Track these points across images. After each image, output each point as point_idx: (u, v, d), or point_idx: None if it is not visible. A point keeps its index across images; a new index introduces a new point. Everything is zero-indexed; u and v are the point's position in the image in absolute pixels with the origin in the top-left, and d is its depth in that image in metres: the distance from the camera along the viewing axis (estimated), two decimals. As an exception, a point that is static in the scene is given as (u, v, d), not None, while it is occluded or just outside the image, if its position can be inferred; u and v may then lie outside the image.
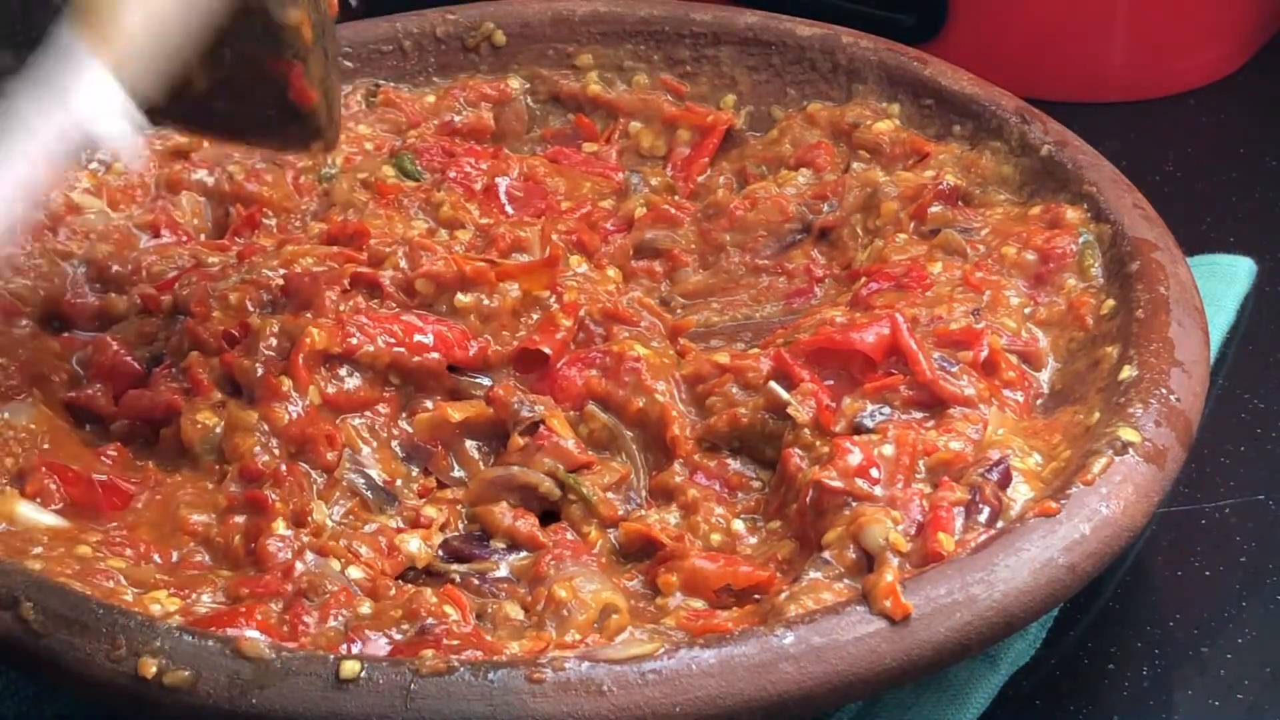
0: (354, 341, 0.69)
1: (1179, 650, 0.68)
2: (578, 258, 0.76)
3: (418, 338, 0.69)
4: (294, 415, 0.67)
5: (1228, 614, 0.69)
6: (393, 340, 0.69)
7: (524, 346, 0.70)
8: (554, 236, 0.75)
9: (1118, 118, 0.96)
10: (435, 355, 0.69)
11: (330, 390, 0.68)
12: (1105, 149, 0.77)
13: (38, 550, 0.62)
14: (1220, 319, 0.78)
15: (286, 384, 0.68)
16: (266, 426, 0.67)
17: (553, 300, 0.72)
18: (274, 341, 0.69)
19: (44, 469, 0.66)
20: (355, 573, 0.63)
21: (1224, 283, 0.80)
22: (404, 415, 0.69)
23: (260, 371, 0.68)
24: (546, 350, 0.70)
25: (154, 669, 0.55)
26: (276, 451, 0.67)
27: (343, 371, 0.69)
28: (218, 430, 0.68)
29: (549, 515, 0.68)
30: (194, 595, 0.62)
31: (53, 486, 0.65)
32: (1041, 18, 0.96)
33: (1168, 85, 0.99)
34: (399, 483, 0.68)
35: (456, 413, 0.69)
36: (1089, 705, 0.65)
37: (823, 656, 0.56)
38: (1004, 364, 0.69)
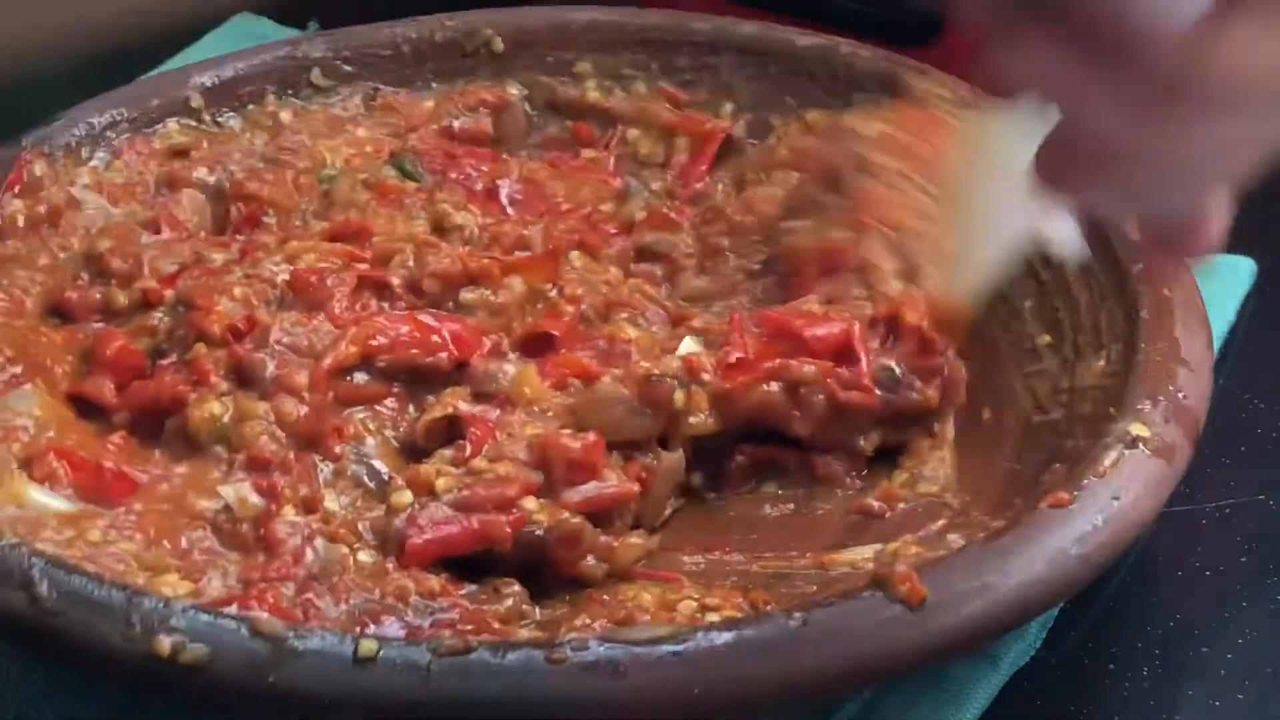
0: (374, 344, 0.69)
1: (1179, 650, 0.67)
2: (577, 253, 0.76)
3: (433, 338, 0.69)
4: (303, 414, 0.67)
5: (1228, 614, 0.69)
6: (409, 342, 0.69)
7: (531, 330, 0.71)
8: (556, 234, 0.76)
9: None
10: (446, 355, 0.69)
11: (340, 385, 0.68)
12: (1106, 150, 0.77)
13: (48, 534, 0.61)
14: (1220, 320, 0.79)
15: (303, 384, 0.68)
16: (274, 418, 0.67)
17: (554, 292, 0.72)
18: (286, 338, 0.69)
19: (52, 453, 0.65)
20: (365, 557, 0.63)
21: (1224, 283, 0.81)
22: (411, 408, 0.69)
23: (272, 368, 0.68)
24: (554, 333, 0.70)
25: (169, 648, 0.55)
26: (284, 440, 0.67)
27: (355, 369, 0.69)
28: (225, 420, 0.67)
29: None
30: (205, 579, 0.61)
31: (61, 472, 0.64)
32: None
33: (1168, 86, 0.99)
34: None
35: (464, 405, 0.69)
36: (1089, 705, 0.65)
37: (840, 639, 0.56)
38: None
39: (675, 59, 0.87)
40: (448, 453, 0.66)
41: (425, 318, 0.70)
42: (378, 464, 0.67)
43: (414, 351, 0.69)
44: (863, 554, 0.66)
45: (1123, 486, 0.61)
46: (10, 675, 0.64)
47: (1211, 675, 0.66)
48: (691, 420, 0.69)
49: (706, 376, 0.69)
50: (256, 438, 0.66)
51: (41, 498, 0.63)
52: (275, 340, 0.69)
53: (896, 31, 0.87)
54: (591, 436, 0.66)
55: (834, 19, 0.86)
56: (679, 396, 0.68)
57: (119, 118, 0.81)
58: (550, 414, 0.68)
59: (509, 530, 0.63)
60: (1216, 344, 0.75)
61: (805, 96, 0.85)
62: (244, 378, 0.68)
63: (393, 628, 0.59)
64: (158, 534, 0.63)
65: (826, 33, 0.86)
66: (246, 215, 0.79)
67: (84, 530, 0.62)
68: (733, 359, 0.69)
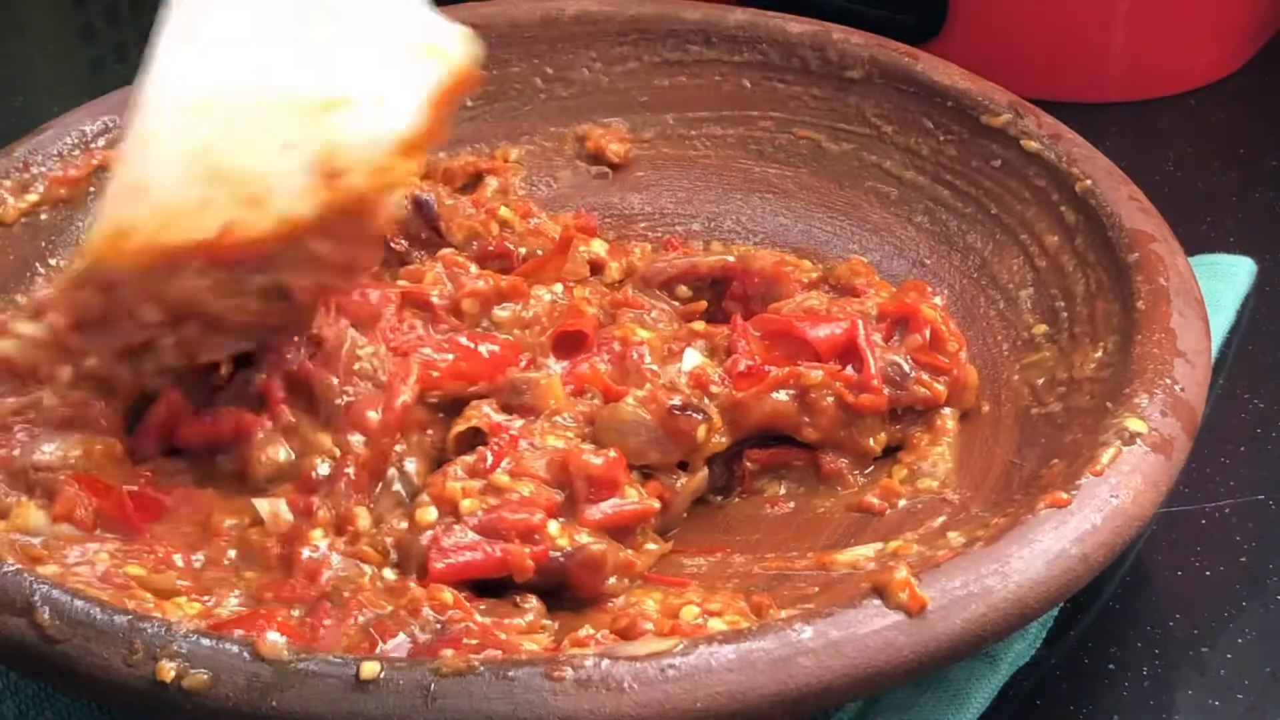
0: (430, 379, 0.68)
1: (1179, 650, 0.68)
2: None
3: (480, 366, 0.69)
4: (366, 455, 0.67)
5: (1228, 614, 0.69)
6: (459, 374, 0.68)
7: (561, 330, 0.71)
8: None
9: (1118, 117, 0.97)
10: (488, 383, 0.69)
11: None
12: (1105, 148, 0.77)
13: (53, 558, 0.61)
14: (1220, 319, 0.79)
15: (374, 421, 0.67)
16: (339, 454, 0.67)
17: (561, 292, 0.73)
18: (355, 364, 0.68)
19: (72, 482, 0.64)
20: (390, 574, 0.63)
21: (1224, 283, 0.80)
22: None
23: (343, 398, 0.67)
24: (586, 332, 0.70)
25: (172, 673, 0.55)
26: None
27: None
28: (287, 461, 0.67)
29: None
30: (214, 598, 0.61)
31: (81, 512, 0.63)
32: (1041, 17, 0.97)
33: (1168, 85, 0.99)
34: None
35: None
36: (1089, 705, 0.65)
37: (841, 650, 0.56)
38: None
39: (666, 49, 0.87)
40: (469, 459, 0.66)
41: (469, 343, 0.70)
42: (415, 479, 0.67)
43: (463, 383, 0.68)
44: (864, 553, 0.66)
45: (1120, 484, 0.61)
46: (11, 675, 0.64)
47: (1211, 675, 0.66)
48: (710, 443, 0.69)
49: (715, 388, 0.69)
50: (311, 469, 0.66)
51: (50, 522, 0.63)
52: (344, 362, 0.68)
53: (894, 32, 0.86)
54: (613, 453, 0.66)
55: (831, 19, 0.85)
56: (701, 432, 0.68)
57: (111, 125, 0.81)
58: (569, 420, 0.67)
59: (531, 562, 0.63)
60: (1216, 344, 0.75)
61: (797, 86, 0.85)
62: (309, 399, 0.67)
63: (400, 644, 0.59)
64: (168, 554, 0.63)
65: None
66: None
67: (91, 554, 0.62)
68: (742, 367, 0.69)
